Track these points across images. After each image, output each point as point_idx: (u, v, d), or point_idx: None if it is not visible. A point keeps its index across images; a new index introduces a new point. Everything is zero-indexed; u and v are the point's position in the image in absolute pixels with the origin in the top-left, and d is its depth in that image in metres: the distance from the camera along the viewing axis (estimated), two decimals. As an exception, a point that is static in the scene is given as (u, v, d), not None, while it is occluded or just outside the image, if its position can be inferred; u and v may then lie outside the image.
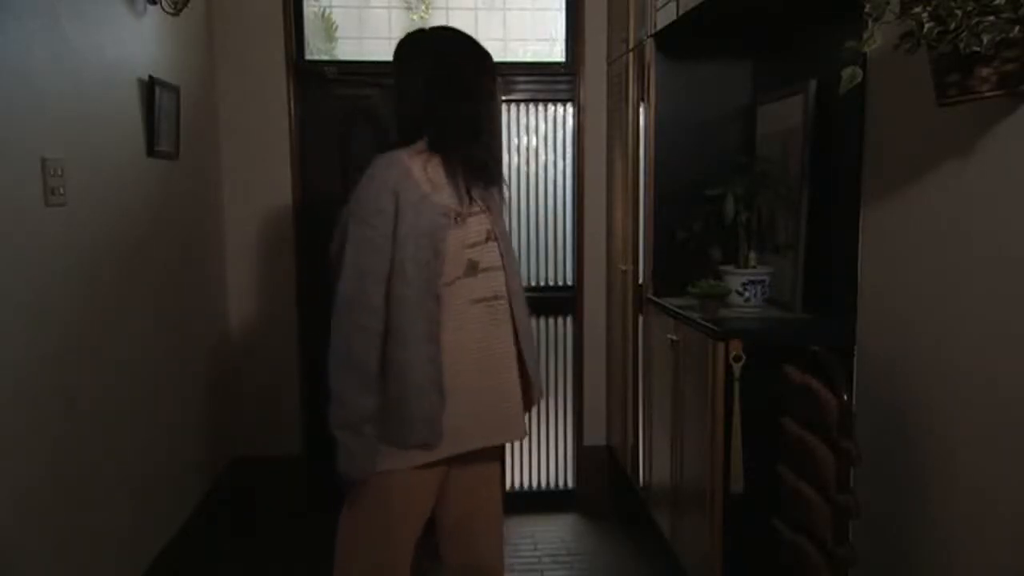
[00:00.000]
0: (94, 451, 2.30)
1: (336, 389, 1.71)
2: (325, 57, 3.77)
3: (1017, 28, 1.35)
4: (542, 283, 3.80)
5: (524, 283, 3.91)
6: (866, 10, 1.56)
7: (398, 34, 4.38)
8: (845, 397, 1.92)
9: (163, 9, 2.84)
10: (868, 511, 2.02)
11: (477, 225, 1.83)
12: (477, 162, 1.83)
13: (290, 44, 3.58)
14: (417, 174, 1.76)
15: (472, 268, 1.81)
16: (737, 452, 2.24)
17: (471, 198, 1.83)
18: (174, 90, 2.91)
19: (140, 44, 2.69)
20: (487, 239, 1.85)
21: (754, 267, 2.61)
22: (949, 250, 1.73)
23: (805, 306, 2.46)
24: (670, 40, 2.91)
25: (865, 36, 1.57)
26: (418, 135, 1.82)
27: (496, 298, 1.87)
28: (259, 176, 3.60)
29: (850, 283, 2.16)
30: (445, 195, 1.78)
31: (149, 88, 2.70)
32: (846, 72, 1.62)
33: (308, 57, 3.70)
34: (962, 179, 1.67)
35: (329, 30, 3.84)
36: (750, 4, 2.45)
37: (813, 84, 2.41)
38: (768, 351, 2.25)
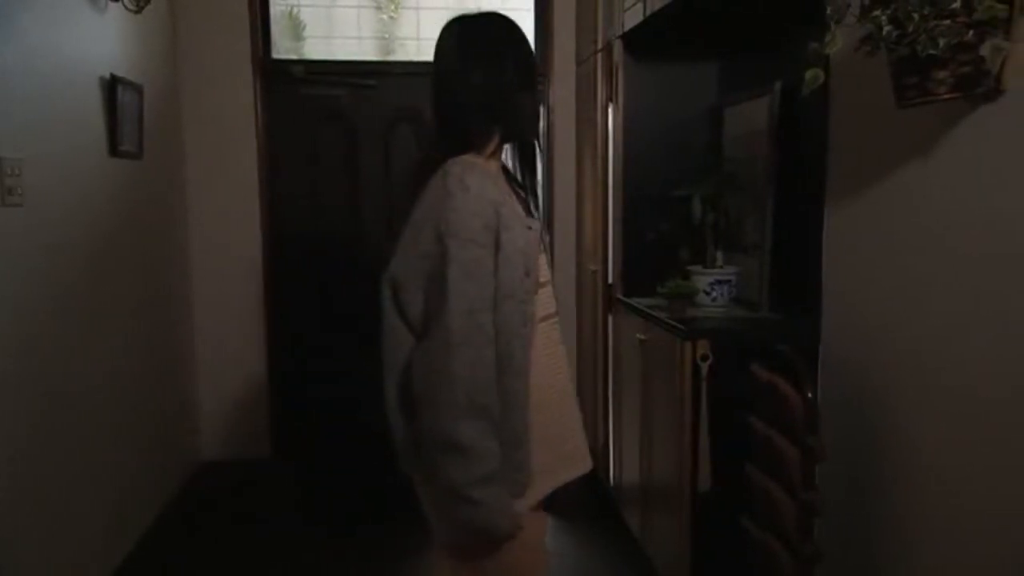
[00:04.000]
0: (56, 456, 2.26)
1: (460, 441, 1.35)
2: (293, 56, 3.73)
3: (971, 32, 1.37)
4: (512, 283, 3.79)
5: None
6: (828, 12, 1.58)
7: (367, 33, 4.40)
8: (810, 395, 1.94)
9: (125, 7, 2.80)
10: (834, 508, 2.04)
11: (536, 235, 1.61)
12: (535, 162, 1.63)
13: (257, 42, 3.55)
14: (501, 182, 1.53)
15: (536, 283, 1.58)
16: (705, 451, 2.26)
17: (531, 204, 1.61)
18: (137, 89, 2.86)
19: (101, 42, 2.65)
20: (542, 249, 1.62)
21: (721, 267, 2.63)
22: (910, 250, 1.76)
23: (772, 306, 2.48)
24: (638, 41, 2.92)
25: (827, 38, 1.58)
26: (487, 134, 1.53)
27: (556, 314, 1.66)
28: (225, 176, 3.56)
29: (816, 283, 2.19)
30: (517, 204, 1.53)
31: (111, 86, 2.65)
32: (809, 74, 1.63)
33: (275, 56, 3.66)
34: (922, 180, 1.70)
35: (297, 29, 3.80)
36: (716, 5, 2.47)
37: (778, 86, 2.43)
38: (735, 350, 2.27)
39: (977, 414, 1.55)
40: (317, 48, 3.78)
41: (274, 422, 3.68)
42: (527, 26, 3.71)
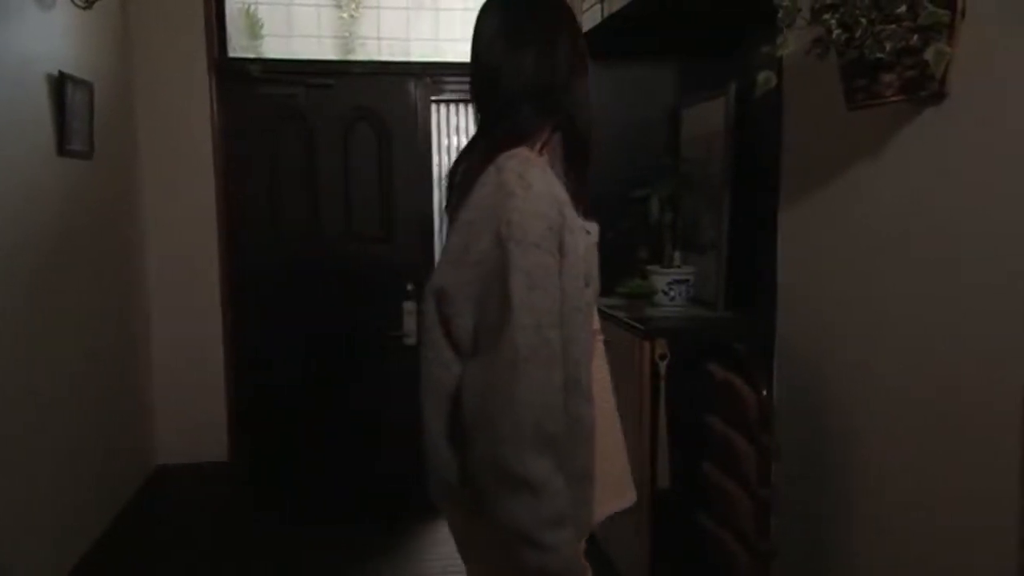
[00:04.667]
0: (7, 461, 2.20)
1: (528, 477, 1.13)
2: (251, 55, 3.68)
3: (915, 36, 1.40)
4: (474, 284, 3.79)
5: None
6: (779, 16, 1.60)
7: (328, 32, 4.36)
8: (765, 394, 1.97)
9: (73, 3, 2.73)
10: (790, 505, 2.07)
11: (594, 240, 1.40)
12: (588, 156, 1.42)
13: (212, 40, 3.49)
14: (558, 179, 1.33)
15: (596, 294, 1.41)
16: (663, 449, 2.28)
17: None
18: (87, 86, 2.80)
19: (48, 38, 2.58)
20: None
21: (679, 267, 2.65)
22: (860, 250, 1.79)
23: (728, 305, 2.51)
24: (596, 42, 2.92)
25: (779, 41, 1.61)
26: (539, 126, 1.34)
27: (601, 329, 1.47)
28: (181, 176, 3.50)
29: (771, 282, 2.21)
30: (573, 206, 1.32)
31: (59, 84, 2.59)
32: (761, 76, 1.66)
33: (231, 55, 3.61)
34: (871, 181, 1.73)
35: (254, 27, 3.75)
36: (673, 7, 2.49)
37: (733, 87, 2.46)
38: (693, 349, 2.29)
39: (924, 413, 1.58)
40: (276, 47, 3.74)
41: (232, 425, 3.62)
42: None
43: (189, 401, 3.57)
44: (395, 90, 3.59)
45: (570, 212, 1.24)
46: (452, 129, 3.71)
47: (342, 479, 3.65)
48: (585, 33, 2.88)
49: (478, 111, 1.39)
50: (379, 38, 3.83)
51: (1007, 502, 1.36)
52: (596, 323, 1.40)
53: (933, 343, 1.55)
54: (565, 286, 1.22)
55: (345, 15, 3.82)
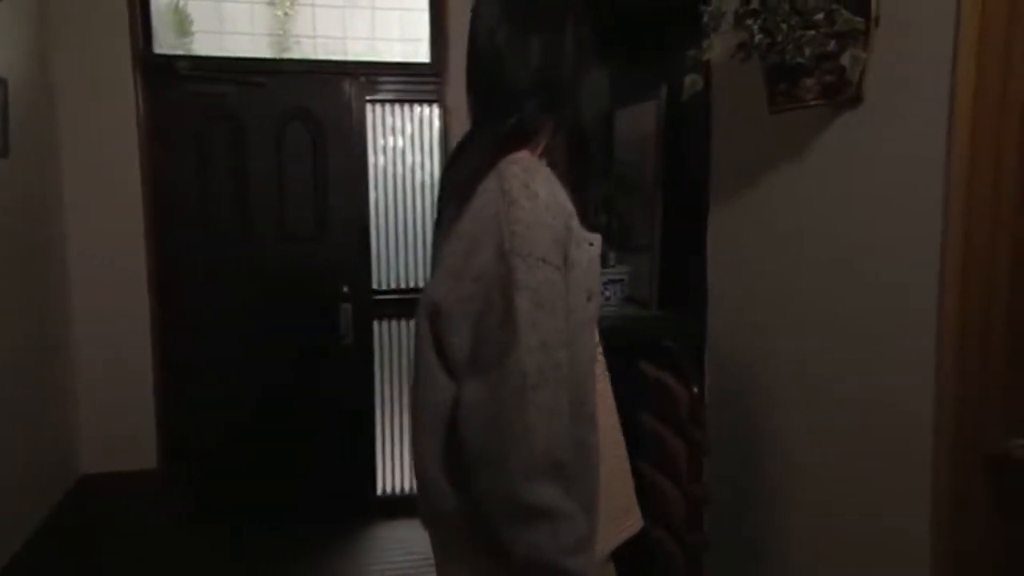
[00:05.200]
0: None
1: (541, 504, 1.07)
2: (181, 52, 3.58)
3: (833, 42, 1.45)
4: (411, 285, 3.76)
5: (392, 286, 3.94)
6: (704, 20, 1.64)
7: (262, 30, 4.27)
8: (696, 390, 2.00)
9: (-13, -6, 2.63)
10: (722, 500, 2.11)
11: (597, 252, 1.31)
12: (592, 159, 1.34)
13: (137, 36, 3.38)
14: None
15: (598, 309, 1.34)
16: (597, 448, 2.30)
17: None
18: (1, 82, 2.69)
19: (-40, 32, 2.47)
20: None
21: (614, 267, 2.68)
22: (784, 251, 1.84)
23: (661, 304, 2.55)
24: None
25: (704, 46, 1.64)
26: (544, 122, 1.23)
27: (599, 344, 1.37)
28: (105, 176, 3.38)
29: (701, 282, 2.26)
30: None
31: (-29, 80, 2.48)
32: (687, 79, 1.69)
33: (158, 51, 3.51)
34: (794, 183, 1.78)
35: (183, 23, 3.66)
36: (602, 9, 2.51)
37: (664, 90, 2.50)
38: (626, 349, 2.31)
39: (846, 410, 1.64)
40: (208, 44, 3.64)
41: (161, 431, 3.52)
42: (422, 25, 3.69)
43: (114, 407, 3.46)
44: (330, 89, 3.54)
45: (576, 223, 1.16)
46: (388, 129, 3.68)
47: (277, 484, 3.59)
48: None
49: (475, 106, 1.27)
50: (315, 36, 3.77)
51: (921, 493, 1.41)
52: (596, 337, 1.32)
53: (853, 341, 1.60)
54: (570, 302, 1.14)
55: (279, 12, 3.75)
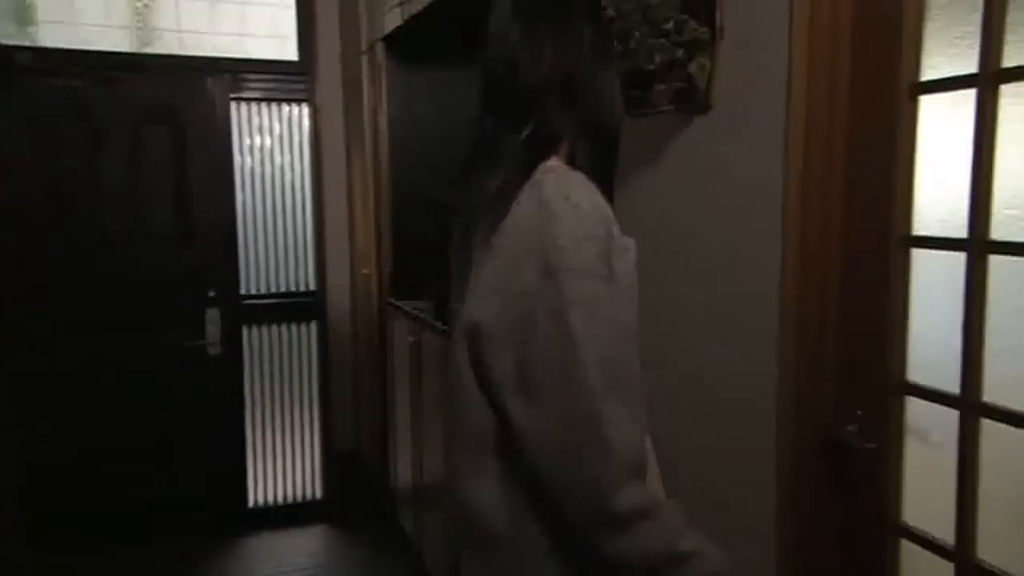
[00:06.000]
0: None
1: (637, 507, 1.03)
2: (27, 43, 3.34)
3: (681, 51, 1.51)
4: (282, 289, 3.67)
5: (262, 290, 3.82)
6: (562, 26, 1.67)
7: (117, 22, 4.04)
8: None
9: None
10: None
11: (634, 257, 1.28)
12: (616, 163, 1.28)
13: (-29, 25, 3.14)
14: None
15: (637, 317, 1.31)
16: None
17: None
18: None
19: None
20: None
21: (486, 268, 2.70)
22: (647, 251, 1.90)
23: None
24: (401, 45, 2.93)
25: (562, 50, 1.68)
26: (566, 124, 1.18)
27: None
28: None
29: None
30: None
31: None
32: (548, 84, 1.72)
33: (-3, 41, 3.26)
34: (654, 185, 1.85)
35: (26, 12, 3.41)
36: (471, 10, 2.53)
37: (532, 94, 2.54)
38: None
39: (694, 405, 1.71)
40: (60, 35, 3.41)
41: (3, 446, 3.27)
42: (288, 20, 3.60)
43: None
44: (192, 87, 3.39)
45: (616, 230, 1.11)
46: (256, 129, 3.57)
47: (140, 500, 3.41)
48: (388, 36, 2.88)
49: (490, 111, 1.21)
50: (179, 31, 3.60)
51: (768, 479, 1.50)
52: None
53: (710, 337, 1.68)
54: (618, 313, 1.10)
55: (139, 4, 3.56)
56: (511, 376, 1.05)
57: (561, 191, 1.06)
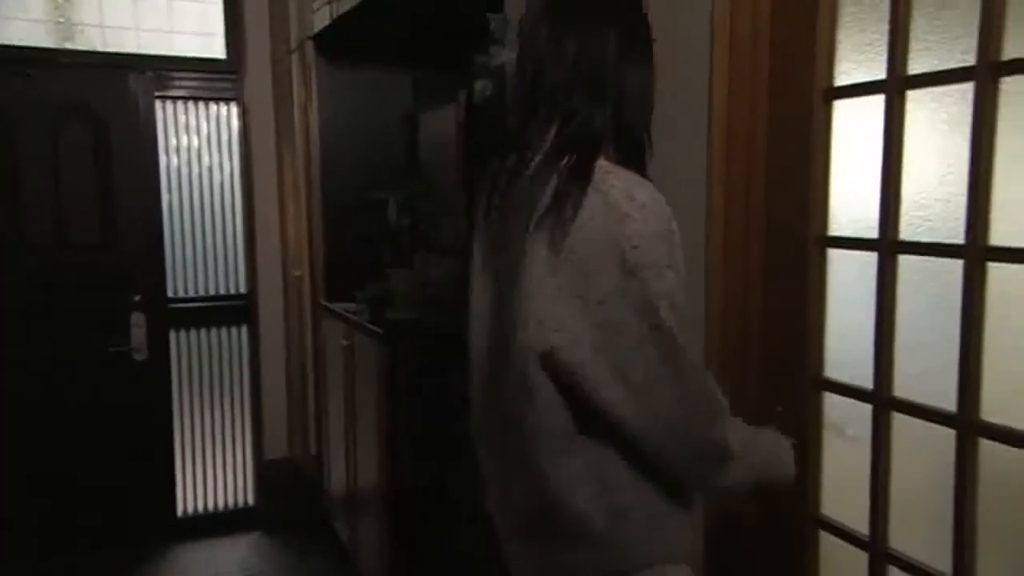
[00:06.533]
0: None
1: (747, 436, 1.17)
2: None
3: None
4: (212, 292, 3.58)
5: (191, 292, 3.72)
6: (491, 29, 1.68)
7: (35, 16, 3.88)
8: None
9: None
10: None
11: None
12: (646, 160, 1.30)
13: None
14: None
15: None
16: (404, 451, 2.30)
17: None
18: None
19: None
20: None
21: (419, 269, 2.68)
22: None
23: (467, 305, 2.58)
24: (331, 44, 2.89)
25: (491, 52, 1.68)
26: (599, 122, 1.19)
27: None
28: None
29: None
30: None
31: None
32: (477, 85, 1.73)
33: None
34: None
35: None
36: (399, 10, 2.51)
37: (463, 94, 2.54)
38: (433, 350, 2.33)
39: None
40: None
41: None
42: (216, 17, 3.51)
43: None
44: (114, 84, 3.28)
45: (675, 224, 1.14)
46: (182, 128, 3.47)
47: (62, 512, 3.28)
48: (317, 34, 2.84)
49: (531, 111, 1.20)
50: (102, 26, 3.48)
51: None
52: None
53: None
54: (682, 300, 1.13)
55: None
56: (605, 373, 1.06)
57: (626, 192, 1.09)
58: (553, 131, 1.15)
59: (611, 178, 1.10)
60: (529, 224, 1.09)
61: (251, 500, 3.69)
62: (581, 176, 1.09)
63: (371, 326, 2.40)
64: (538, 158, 1.14)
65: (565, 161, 1.11)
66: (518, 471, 1.16)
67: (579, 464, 1.10)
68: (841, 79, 1.36)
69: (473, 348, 1.26)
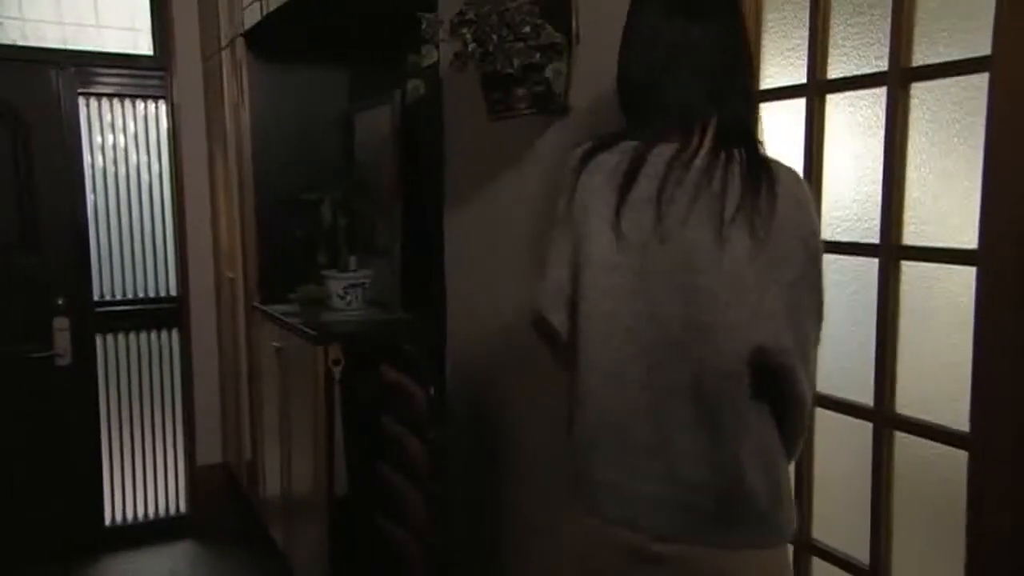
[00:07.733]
0: None
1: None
2: None
3: (539, 55, 1.54)
4: (141, 295, 3.47)
5: (117, 296, 3.60)
6: (423, 28, 1.66)
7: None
8: (432, 391, 2.04)
9: None
10: (466, 499, 2.16)
11: None
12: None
13: None
14: None
15: None
16: (340, 455, 2.26)
17: None
18: None
19: None
20: None
21: (355, 271, 2.66)
22: (514, 251, 1.92)
23: (406, 307, 2.56)
24: (263, 41, 2.84)
25: (423, 52, 1.67)
26: (748, 114, 1.22)
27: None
28: None
29: (440, 285, 2.30)
30: None
31: None
32: (409, 84, 1.72)
33: None
34: (518, 187, 1.86)
35: None
36: (330, 9, 2.48)
37: (398, 94, 2.52)
38: (368, 353, 2.30)
39: (553, 400, 1.74)
40: None
41: None
42: (143, 12, 3.41)
43: None
44: (34, 80, 3.16)
45: None
46: (108, 126, 3.36)
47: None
48: (247, 32, 2.78)
49: (656, 104, 1.18)
50: (22, 19, 3.34)
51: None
52: None
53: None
54: None
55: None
56: (796, 349, 1.10)
57: (800, 183, 1.14)
58: (713, 123, 1.13)
59: (784, 168, 1.12)
60: (723, 215, 1.08)
61: (183, 507, 3.59)
62: (765, 168, 1.10)
63: (306, 328, 2.36)
64: (702, 152, 1.12)
65: (736, 155, 1.10)
66: (690, 459, 1.12)
67: (753, 442, 1.11)
68: (767, 83, 1.39)
69: (603, 346, 1.18)
